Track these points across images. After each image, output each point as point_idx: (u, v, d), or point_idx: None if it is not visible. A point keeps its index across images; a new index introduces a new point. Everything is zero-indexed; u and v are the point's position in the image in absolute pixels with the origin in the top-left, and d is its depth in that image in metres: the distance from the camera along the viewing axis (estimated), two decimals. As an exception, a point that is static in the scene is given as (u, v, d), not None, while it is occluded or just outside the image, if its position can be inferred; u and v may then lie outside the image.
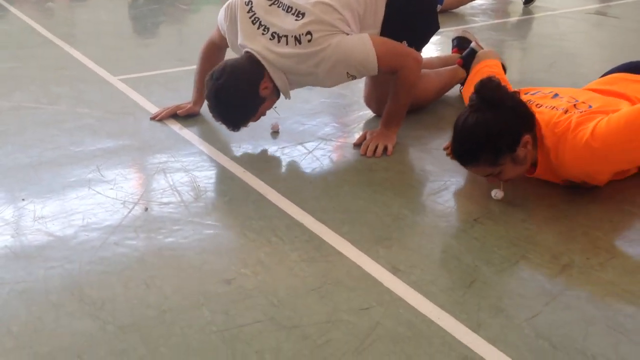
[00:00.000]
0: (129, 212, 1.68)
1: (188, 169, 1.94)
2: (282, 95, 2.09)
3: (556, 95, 1.84)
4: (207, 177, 1.88)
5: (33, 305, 1.32)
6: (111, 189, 1.80)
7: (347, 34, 1.98)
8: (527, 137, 1.63)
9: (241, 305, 1.31)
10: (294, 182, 1.87)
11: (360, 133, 2.17)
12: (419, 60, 2.09)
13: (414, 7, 2.15)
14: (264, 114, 2.08)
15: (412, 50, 2.09)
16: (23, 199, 1.74)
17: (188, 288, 1.38)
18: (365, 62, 1.97)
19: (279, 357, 1.16)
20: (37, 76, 2.86)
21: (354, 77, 2.02)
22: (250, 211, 1.68)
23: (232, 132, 2.07)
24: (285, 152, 2.05)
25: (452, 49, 2.70)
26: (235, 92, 1.95)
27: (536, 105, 1.77)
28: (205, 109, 2.18)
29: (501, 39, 3.65)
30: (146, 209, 1.70)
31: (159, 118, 2.29)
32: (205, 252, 1.50)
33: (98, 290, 1.36)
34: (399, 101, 2.09)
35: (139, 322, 1.27)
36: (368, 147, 2.04)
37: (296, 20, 1.96)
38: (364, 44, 1.96)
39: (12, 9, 4.31)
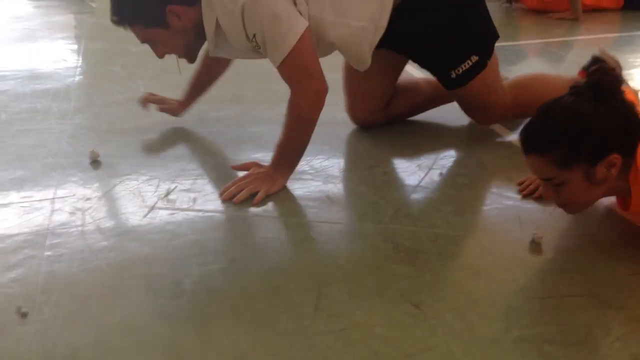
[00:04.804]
0: (425, 175, 1.76)
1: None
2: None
3: None
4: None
5: (352, 243, 1.45)
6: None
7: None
8: (616, 157, 1.26)
9: (556, 276, 1.29)
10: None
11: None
12: (320, 94, 1.61)
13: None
14: (157, 44, 1.70)
15: (320, 79, 1.62)
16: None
17: (496, 250, 1.39)
18: (276, 47, 1.56)
19: (610, 334, 1.12)
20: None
21: (257, 48, 1.60)
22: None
23: None
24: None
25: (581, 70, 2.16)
26: None
27: None
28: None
29: None
30: (441, 174, 1.75)
31: (144, 103, 2.07)
32: (503, 219, 1.50)
33: (410, 242, 1.43)
34: (290, 137, 1.64)
35: (452, 275, 1.32)
36: (232, 187, 1.60)
37: None
38: (293, 28, 1.55)
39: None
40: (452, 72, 1.81)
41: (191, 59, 1.78)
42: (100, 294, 1.25)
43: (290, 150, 1.67)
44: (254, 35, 1.57)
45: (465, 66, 1.80)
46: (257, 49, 1.62)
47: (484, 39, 1.84)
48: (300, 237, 1.46)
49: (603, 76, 1.30)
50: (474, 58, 1.80)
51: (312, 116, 1.63)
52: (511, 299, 1.23)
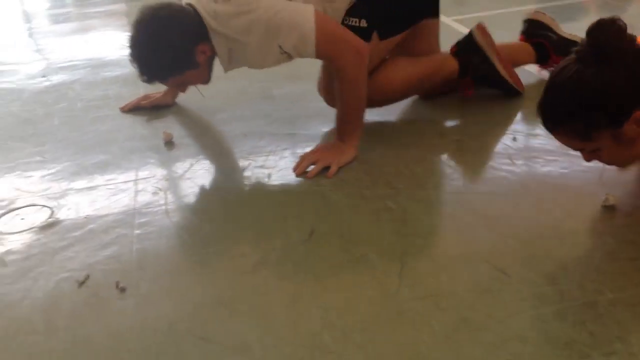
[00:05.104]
0: (499, 140, 1.73)
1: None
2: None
3: None
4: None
5: (429, 211, 1.44)
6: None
7: None
8: None
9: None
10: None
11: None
12: (360, 51, 1.62)
13: None
14: (190, 83, 1.83)
15: (355, 38, 1.63)
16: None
17: (580, 213, 1.37)
18: (302, 39, 1.57)
19: None
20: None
21: (288, 56, 1.63)
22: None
23: None
24: None
25: (520, 35, 2.06)
26: (168, 30, 1.64)
27: None
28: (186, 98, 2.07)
29: None
30: (514, 139, 1.72)
31: (127, 108, 2.15)
32: (584, 181, 1.47)
33: (489, 208, 1.42)
34: (345, 103, 1.66)
35: (536, 239, 1.30)
36: (304, 162, 1.63)
37: None
38: (304, 15, 1.57)
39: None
40: (346, 19, 1.72)
41: (207, 82, 1.82)
42: (190, 269, 1.31)
43: (349, 117, 1.68)
44: (280, 47, 1.60)
45: (352, 22, 1.71)
46: (288, 58, 1.65)
47: (383, 13, 1.74)
48: (376, 208, 1.47)
49: (603, 33, 1.17)
50: (363, 22, 1.71)
51: (359, 76, 1.63)
52: (600, 261, 1.20)
